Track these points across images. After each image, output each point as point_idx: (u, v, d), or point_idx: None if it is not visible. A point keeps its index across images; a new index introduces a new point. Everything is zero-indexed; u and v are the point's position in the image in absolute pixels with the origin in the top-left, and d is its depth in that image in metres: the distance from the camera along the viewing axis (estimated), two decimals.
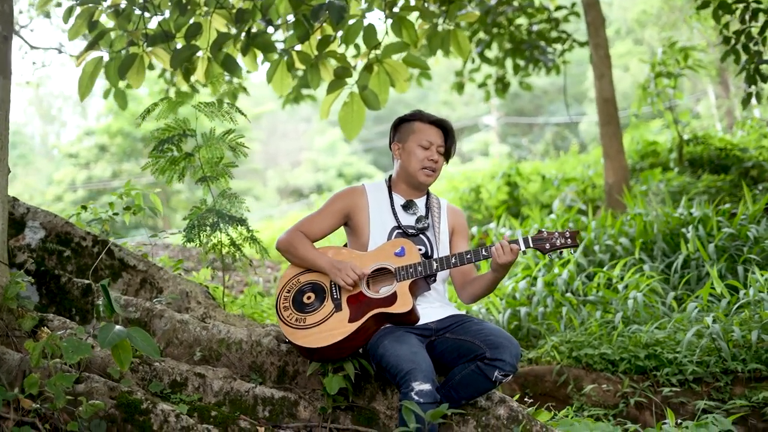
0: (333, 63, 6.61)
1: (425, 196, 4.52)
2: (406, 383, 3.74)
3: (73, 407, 3.57)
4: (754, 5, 8.02)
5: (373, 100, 6.35)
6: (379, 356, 3.99)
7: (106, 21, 6.58)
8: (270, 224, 21.73)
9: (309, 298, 4.21)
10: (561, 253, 4.18)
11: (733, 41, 8.35)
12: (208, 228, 5.22)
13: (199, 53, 6.50)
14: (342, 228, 4.57)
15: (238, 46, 6.61)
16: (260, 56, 6.98)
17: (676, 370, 5.93)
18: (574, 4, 12.81)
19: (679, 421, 4.69)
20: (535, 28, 12.90)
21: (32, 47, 11.98)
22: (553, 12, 12.99)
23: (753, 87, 8.20)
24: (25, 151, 44.93)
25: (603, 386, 5.96)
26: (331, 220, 4.42)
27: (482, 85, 14.00)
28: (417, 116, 4.47)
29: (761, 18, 8.12)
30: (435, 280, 4.29)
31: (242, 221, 5.29)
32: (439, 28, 6.75)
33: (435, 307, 4.28)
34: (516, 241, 4.09)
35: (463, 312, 4.42)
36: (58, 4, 6.43)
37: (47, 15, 14.16)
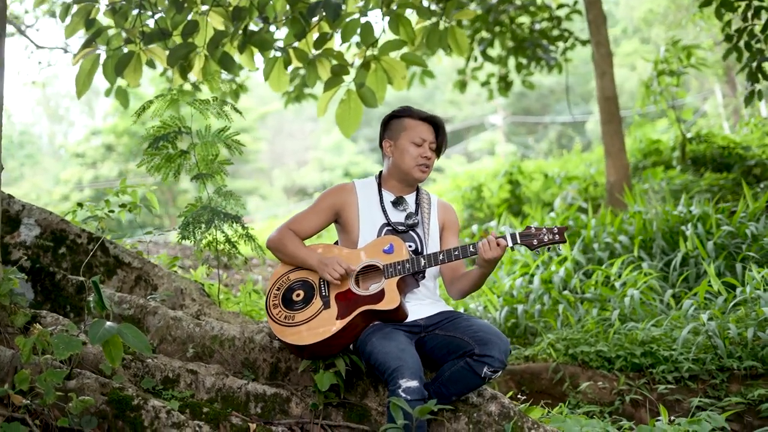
0: (331, 60, 6.61)
1: (415, 192, 4.51)
2: (393, 380, 3.74)
3: (64, 403, 3.57)
4: (756, 3, 8.01)
5: (370, 98, 6.35)
6: (367, 353, 4.00)
7: (104, 19, 6.60)
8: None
9: (298, 295, 4.22)
10: (549, 248, 4.14)
11: (735, 39, 8.34)
12: (202, 225, 5.23)
13: (197, 51, 6.51)
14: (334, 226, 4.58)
15: (235, 43, 6.62)
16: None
17: (672, 367, 5.93)
18: (576, 2, 12.79)
19: (672, 418, 4.67)
20: (537, 26, 12.89)
21: (38, 47, 12.05)
22: (554, 10, 12.98)
23: (756, 85, 8.18)
24: (32, 151, 45.04)
25: (599, 383, 5.96)
26: (320, 218, 4.42)
27: (485, 83, 14.00)
28: (407, 112, 4.44)
29: (764, 16, 8.11)
30: (424, 277, 4.29)
31: (237, 218, 5.30)
32: (441, 26, 6.75)
33: (425, 304, 4.28)
34: (503, 237, 4.08)
35: (452, 309, 4.40)
36: (65, 6, 6.42)
37: (53, 14, 14.20)
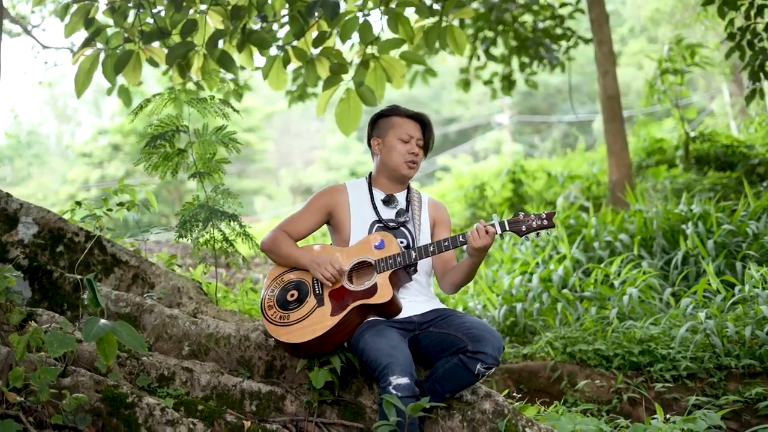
0: (330, 59, 6.63)
1: (405, 191, 4.55)
2: (384, 377, 3.76)
3: (58, 400, 3.59)
4: (759, 2, 8.00)
5: (369, 97, 6.36)
6: (360, 350, 4.01)
7: (103, 18, 6.62)
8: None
9: (292, 295, 4.24)
10: (538, 234, 4.16)
11: (738, 38, 8.32)
12: (200, 223, 5.24)
13: (196, 50, 6.52)
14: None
15: (234, 42, 6.63)
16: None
17: (670, 365, 5.93)
18: (578, 1, 12.78)
19: (668, 416, 4.67)
20: (540, 25, 12.88)
21: (44, 47, 12.08)
22: (557, 9, 12.97)
23: (757, 84, 8.17)
24: (40, 151, 45.13)
25: (596, 382, 5.97)
26: (313, 219, 4.47)
27: (488, 82, 13.99)
28: (394, 111, 4.50)
29: (766, 14, 8.09)
30: (416, 271, 4.31)
31: (234, 217, 5.31)
32: (443, 24, 6.75)
33: (419, 301, 4.29)
34: (492, 225, 4.10)
35: (446, 306, 4.41)
36: (64, 5, 6.44)
37: (59, 15, 14.22)
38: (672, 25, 26.80)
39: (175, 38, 6.48)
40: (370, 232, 4.35)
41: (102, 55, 6.43)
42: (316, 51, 6.61)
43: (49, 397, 3.51)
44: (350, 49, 7.65)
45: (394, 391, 3.70)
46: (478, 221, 4.14)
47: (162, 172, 5.36)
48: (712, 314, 6.24)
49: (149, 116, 5.30)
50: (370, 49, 6.59)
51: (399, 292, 4.25)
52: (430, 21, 6.93)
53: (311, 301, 4.17)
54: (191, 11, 6.53)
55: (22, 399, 3.54)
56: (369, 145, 4.57)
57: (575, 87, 36.13)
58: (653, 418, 4.64)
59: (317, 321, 4.08)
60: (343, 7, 7.08)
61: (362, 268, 4.23)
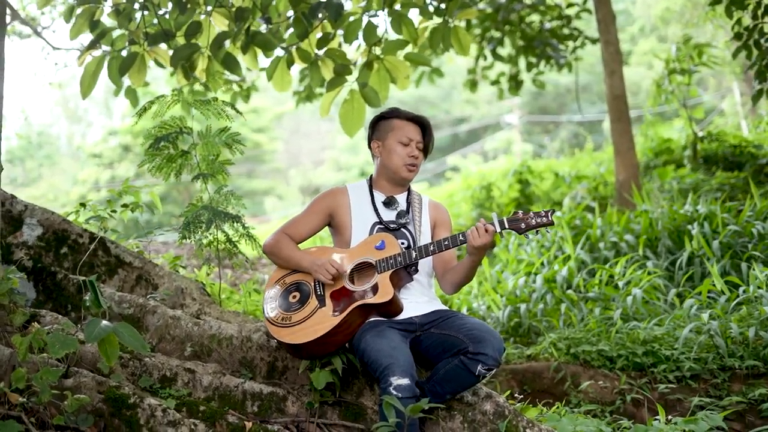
0: (334, 60, 6.64)
1: (406, 192, 4.57)
2: (384, 378, 3.77)
3: (61, 401, 3.61)
4: (766, 1, 7.97)
5: (373, 98, 6.37)
6: (361, 351, 4.03)
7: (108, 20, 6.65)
8: None
9: (294, 297, 4.26)
10: (538, 232, 4.17)
11: (745, 37, 8.30)
12: (203, 225, 5.26)
13: (200, 51, 6.55)
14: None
15: (238, 44, 6.65)
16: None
17: (674, 366, 5.93)
18: (585, 1, 12.77)
19: (669, 417, 4.68)
20: (547, 25, 12.87)
21: (54, 48, 12.10)
22: (564, 9, 12.96)
23: (764, 83, 8.15)
24: (50, 152, 45.26)
25: (600, 383, 5.96)
26: (314, 221, 4.49)
27: (495, 82, 13.99)
28: (394, 113, 4.53)
29: None
30: (417, 271, 4.33)
31: (237, 218, 5.33)
32: (446, 25, 6.76)
33: (420, 302, 4.31)
34: (492, 223, 4.11)
35: (447, 308, 4.42)
36: (69, 7, 6.47)
37: (64, 17, 14.26)
38: (682, 24, 26.73)
39: (180, 40, 6.50)
40: (370, 233, 4.38)
41: (107, 57, 6.45)
42: (320, 52, 6.62)
43: (51, 398, 3.53)
44: (357, 50, 7.66)
45: (394, 392, 3.71)
46: (479, 220, 4.15)
47: (166, 173, 5.38)
48: (715, 315, 6.23)
49: (153, 118, 5.33)
50: (374, 51, 6.60)
51: (400, 292, 4.27)
52: (434, 22, 6.94)
53: (313, 302, 4.19)
54: (196, 13, 6.55)
55: (25, 400, 3.56)
56: (370, 147, 4.58)
57: (585, 87, 36.12)
58: (655, 419, 4.64)
59: (319, 321, 4.09)
60: (348, 6, 7.10)
61: (363, 269, 4.25)
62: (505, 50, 13.63)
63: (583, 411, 5.63)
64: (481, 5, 12.03)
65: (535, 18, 13.15)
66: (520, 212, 4.17)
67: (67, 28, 6.40)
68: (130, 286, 5.21)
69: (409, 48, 6.72)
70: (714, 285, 6.83)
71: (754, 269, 6.68)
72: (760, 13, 8.11)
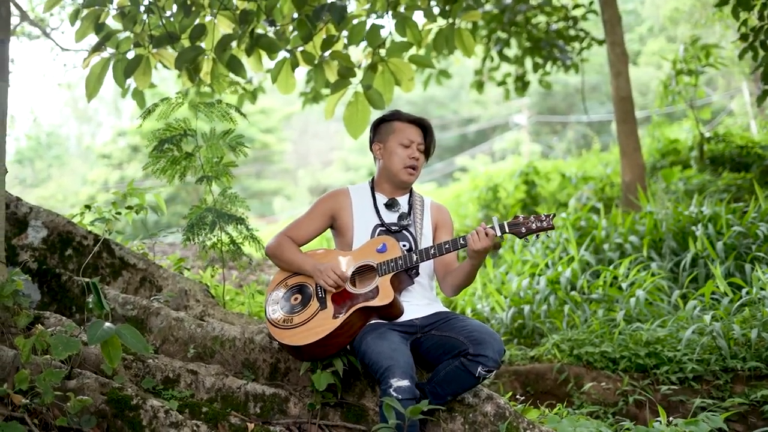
0: (338, 62, 6.66)
1: (408, 194, 4.58)
2: (384, 380, 3.79)
3: (64, 403, 3.64)
4: None
5: (377, 100, 6.40)
6: (361, 353, 4.05)
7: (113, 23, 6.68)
8: None
9: (296, 299, 4.28)
10: (538, 236, 4.18)
11: (751, 38, 8.30)
12: (207, 227, 5.29)
13: (205, 54, 6.57)
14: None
15: (243, 46, 6.68)
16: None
17: (676, 368, 5.94)
18: (591, 2, 12.77)
19: (670, 418, 4.68)
20: (554, 27, 12.87)
21: (63, 49, 12.14)
22: (570, 10, 12.96)
23: None
24: (60, 152, 45.37)
25: (603, 384, 5.97)
26: (317, 223, 4.51)
27: (501, 83, 13.99)
28: (396, 116, 4.55)
29: None
30: (418, 274, 4.35)
31: (241, 220, 5.36)
32: (449, 27, 6.78)
33: (421, 304, 4.32)
34: (492, 227, 4.12)
35: (448, 309, 4.44)
36: (74, 10, 6.50)
37: (70, 19, 14.27)
38: (691, 24, 26.66)
39: (185, 42, 6.53)
40: (372, 235, 4.39)
41: (112, 60, 6.49)
42: (324, 55, 6.64)
43: (54, 399, 3.56)
44: (363, 51, 7.69)
45: (394, 394, 3.73)
46: (480, 224, 4.16)
47: (170, 176, 5.41)
48: (718, 317, 6.24)
49: (158, 120, 5.36)
50: (378, 53, 6.62)
51: (401, 295, 4.29)
52: (439, 24, 6.96)
53: (314, 304, 4.21)
54: (201, 16, 6.58)
55: (28, 401, 3.59)
56: (371, 149, 4.60)
57: (594, 87, 36.07)
58: (657, 421, 4.65)
59: (320, 324, 4.11)
60: (352, 9, 7.13)
61: (365, 271, 4.27)
62: (512, 51, 13.63)
63: (586, 412, 5.64)
64: (488, 6, 12.03)
65: (541, 19, 13.14)
66: (521, 216, 4.18)
67: (74, 30, 6.43)
68: (134, 288, 5.25)
69: (413, 50, 6.74)
70: (717, 287, 6.83)
71: (757, 271, 6.68)
72: (766, 14, 8.09)
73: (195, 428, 3.78)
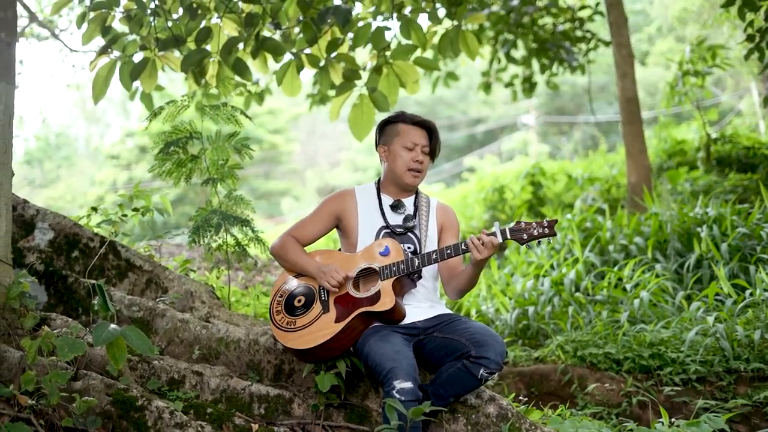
0: (343, 65, 6.69)
1: (414, 196, 4.59)
2: (387, 381, 3.82)
3: (70, 404, 3.67)
4: None
5: (382, 102, 6.42)
6: (364, 355, 4.07)
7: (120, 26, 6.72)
8: None
9: (299, 301, 4.31)
10: (540, 242, 4.21)
11: (757, 39, 8.30)
12: (212, 229, 5.33)
13: (210, 57, 6.61)
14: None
15: (248, 49, 6.71)
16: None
17: (680, 369, 5.95)
18: (598, 4, 12.77)
19: (672, 420, 4.70)
20: (560, 28, 12.88)
21: (72, 50, 12.18)
22: (577, 11, 12.96)
23: None
24: (69, 153, 45.44)
25: (606, 385, 5.99)
26: (322, 224, 4.53)
27: (509, 85, 14.00)
28: (400, 118, 4.54)
29: None
30: (420, 277, 4.36)
31: (246, 222, 5.39)
32: (455, 29, 6.80)
33: (424, 306, 4.34)
34: (494, 234, 4.13)
35: (451, 311, 4.46)
36: (81, 13, 6.55)
37: (77, 22, 14.30)
38: (699, 24, 26.61)
39: (190, 45, 6.57)
40: (377, 237, 4.40)
41: (119, 63, 6.53)
42: (331, 56, 6.66)
43: (60, 400, 3.59)
44: (369, 52, 7.72)
45: (397, 395, 3.76)
46: (483, 228, 4.17)
47: (176, 178, 5.45)
48: (722, 318, 6.25)
49: (164, 123, 5.39)
50: (383, 55, 6.65)
51: (404, 297, 4.31)
52: (444, 27, 6.98)
53: (317, 307, 4.23)
54: (207, 19, 6.61)
55: (34, 402, 3.62)
56: (377, 151, 4.62)
57: (602, 87, 35.98)
58: (659, 422, 4.67)
59: (322, 327, 4.14)
60: (358, 8, 7.16)
61: (368, 274, 4.29)
62: (519, 53, 13.63)
63: (589, 413, 5.65)
64: (494, 8, 12.05)
65: (547, 20, 13.15)
66: (523, 222, 4.16)
67: (81, 33, 6.48)
68: (140, 290, 5.28)
69: (418, 52, 6.76)
70: (721, 288, 6.84)
71: (761, 272, 6.69)
72: None
73: (200, 429, 3.81)
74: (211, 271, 6.64)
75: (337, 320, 4.14)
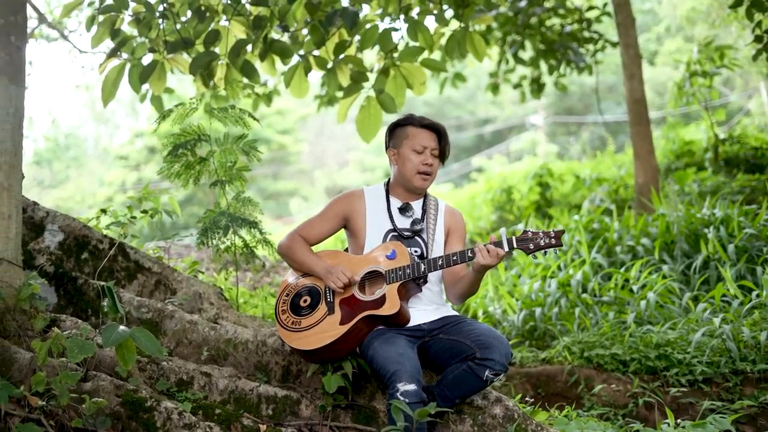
0: (350, 67, 6.72)
1: (422, 199, 4.60)
2: (392, 383, 3.84)
3: (79, 405, 3.70)
4: None
5: (389, 104, 6.44)
6: (369, 357, 4.10)
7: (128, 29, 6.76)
8: None
9: (305, 301, 4.33)
10: (546, 252, 4.20)
11: (765, 40, 8.30)
12: (220, 231, 5.36)
13: (219, 59, 6.65)
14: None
15: (256, 52, 6.74)
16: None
17: (686, 370, 5.96)
18: (605, 5, 12.77)
19: (678, 421, 4.71)
20: (567, 29, 12.87)
21: (81, 51, 12.23)
22: (584, 12, 12.97)
23: None
24: (78, 154, 45.52)
25: (613, 386, 6.01)
26: (329, 224, 4.54)
27: (517, 86, 14.01)
28: (410, 121, 4.54)
29: None
30: (426, 282, 4.37)
31: (254, 224, 5.42)
32: (470, 29, 6.83)
33: (429, 309, 4.36)
34: (500, 243, 4.14)
35: (456, 313, 4.48)
36: (90, 16, 6.59)
37: (86, 26, 14.34)
38: (708, 24, 26.54)
39: (199, 48, 6.60)
40: (384, 240, 4.42)
41: (128, 65, 6.57)
42: (340, 57, 6.69)
43: (69, 401, 3.62)
44: (377, 54, 7.75)
45: (401, 398, 3.78)
46: (489, 238, 4.16)
47: (184, 180, 5.48)
48: (728, 319, 6.26)
49: (172, 125, 5.42)
50: (390, 57, 6.67)
51: (410, 300, 4.33)
52: (451, 28, 7.00)
53: (322, 308, 4.25)
54: (215, 21, 6.65)
55: (44, 403, 3.66)
56: (387, 154, 4.62)
57: (611, 87, 35.94)
58: (665, 423, 4.68)
59: (327, 329, 4.16)
60: (366, 10, 7.18)
61: (374, 277, 4.30)
62: (527, 54, 13.63)
63: (596, 414, 5.67)
64: (502, 9, 12.06)
65: (555, 21, 13.15)
66: (530, 231, 4.17)
67: (90, 36, 6.52)
68: (149, 291, 5.31)
69: (425, 54, 6.78)
70: (728, 289, 6.85)
71: (767, 273, 6.70)
72: None
73: (208, 430, 3.84)
74: (219, 273, 6.66)
75: (342, 322, 4.16)
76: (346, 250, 4.65)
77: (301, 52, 6.94)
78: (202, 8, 6.37)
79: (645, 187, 11.01)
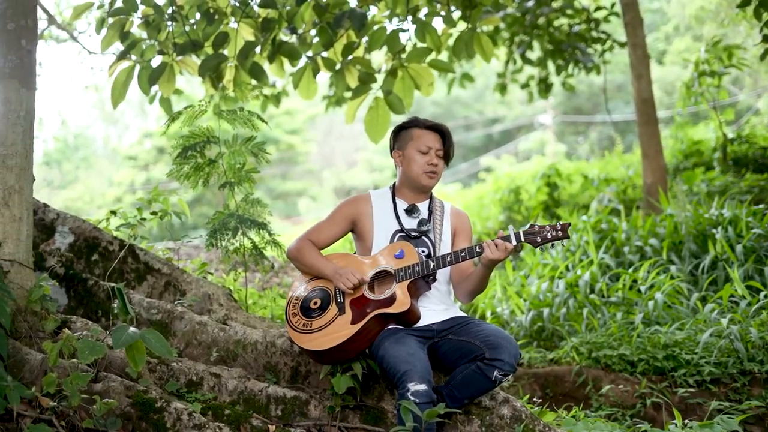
0: (358, 68, 6.74)
1: (428, 200, 4.64)
2: (402, 384, 3.86)
3: (90, 405, 3.73)
4: None
5: (397, 105, 6.46)
6: (379, 357, 4.12)
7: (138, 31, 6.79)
8: None
9: (315, 303, 4.35)
10: (554, 245, 4.22)
11: None
12: (229, 232, 5.38)
13: (227, 62, 6.67)
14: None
15: (265, 54, 6.77)
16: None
17: (694, 370, 5.96)
18: (613, 5, 12.76)
19: (686, 421, 4.72)
20: (575, 29, 12.87)
21: (90, 52, 12.26)
22: (592, 12, 12.96)
23: None
24: (87, 154, 45.60)
25: (621, 387, 6.02)
26: (337, 228, 4.57)
27: (525, 86, 14.01)
28: (414, 123, 4.59)
29: None
30: (435, 280, 4.40)
31: (263, 225, 5.45)
32: (478, 30, 6.84)
33: (438, 309, 4.38)
34: (507, 237, 4.18)
35: (465, 314, 4.50)
36: (100, 19, 6.63)
37: (96, 28, 14.38)
38: (717, 23, 26.48)
39: (208, 50, 6.63)
40: (391, 241, 4.45)
41: (137, 67, 6.60)
42: (348, 59, 6.71)
43: (80, 402, 3.65)
44: (385, 55, 7.76)
45: (411, 398, 3.80)
46: (499, 229, 4.19)
47: (193, 182, 5.51)
48: (736, 320, 6.26)
49: (181, 127, 5.45)
50: (398, 58, 6.69)
51: (419, 300, 4.35)
52: (459, 29, 7.02)
53: (333, 309, 4.28)
54: (224, 24, 6.67)
55: (55, 404, 3.69)
56: (392, 156, 4.66)
57: (619, 87, 35.87)
58: (672, 423, 4.69)
59: (338, 329, 4.18)
60: (374, 11, 7.20)
61: (383, 277, 4.33)
62: (534, 54, 13.63)
63: (604, 415, 5.68)
64: (509, 9, 12.06)
65: (563, 21, 13.15)
66: (537, 225, 4.21)
67: (99, 38, 6.55)
68: (158, 292, 5.33)
69: (433, 55, 6.80)
70: (735, 290, 6.85)
71: None
72: None
73: (218, 430, 3.86)
74: (228, 274, 6.69)
75: (353, 322, 4.18)
76: (354, 253, 4.67)
77: (310, 53, 6.96)
78: (211, 11, 6.39)
79: (653, 187, 11.00)
